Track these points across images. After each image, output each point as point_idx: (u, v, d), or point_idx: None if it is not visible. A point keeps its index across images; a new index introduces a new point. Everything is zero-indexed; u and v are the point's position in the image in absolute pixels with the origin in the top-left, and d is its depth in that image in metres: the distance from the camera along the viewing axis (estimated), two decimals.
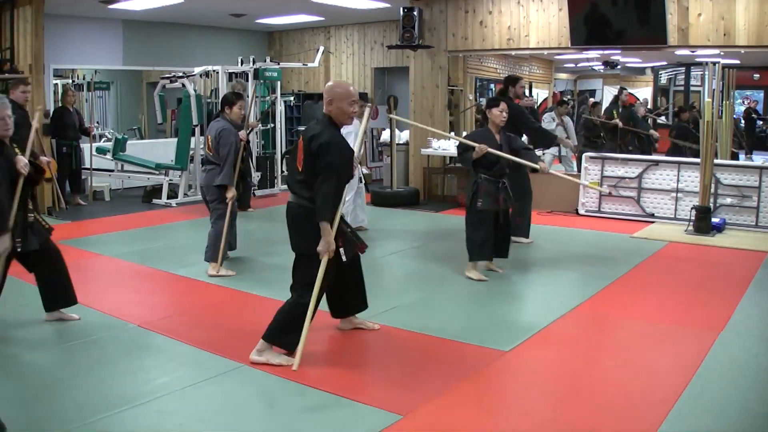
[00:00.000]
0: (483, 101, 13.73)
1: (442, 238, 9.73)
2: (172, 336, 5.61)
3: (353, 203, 9.76)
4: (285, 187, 9.93)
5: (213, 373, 4.86)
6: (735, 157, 12.56)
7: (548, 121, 12.94)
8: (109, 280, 7.51)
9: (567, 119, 13.47)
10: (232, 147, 7.47)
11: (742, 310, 6.45)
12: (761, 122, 18.15)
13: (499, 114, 7.38)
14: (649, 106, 16.86)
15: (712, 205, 10.16)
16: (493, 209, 7.37)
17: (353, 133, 8.44)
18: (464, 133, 13.02)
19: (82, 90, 15.45)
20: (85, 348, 5.35)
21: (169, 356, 5.24)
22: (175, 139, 13.25)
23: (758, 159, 12.51)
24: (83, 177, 12.66)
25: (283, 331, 5.12)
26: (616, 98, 13.65)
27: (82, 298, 6.41)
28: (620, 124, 12.89)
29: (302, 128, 14.38)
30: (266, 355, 5.08)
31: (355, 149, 5.56)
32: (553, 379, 4.97)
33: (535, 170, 7.99)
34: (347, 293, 5.69)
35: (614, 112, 13.23)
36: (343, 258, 5.17)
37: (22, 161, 5.29)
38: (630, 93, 17.66)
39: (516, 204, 7.97)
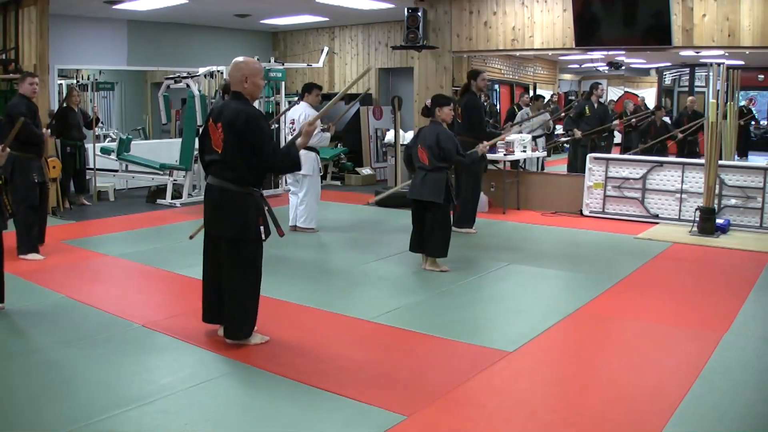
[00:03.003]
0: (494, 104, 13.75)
1: None
2: (176, 336, 5.62)
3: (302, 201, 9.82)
4: (290, 188, 9.92)
5: (217, 373, 4.87)
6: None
7: (522, 117, 13.07)
8: (114, 280, 7.52)
9: (544, 113, 13.54)
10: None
11: (746, 312, 6.45)
12: (753, 123, 18.11)
13: (449, 113, 7.79)
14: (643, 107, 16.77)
15: (716, 206, 10.16)
16: (454, 207, 8.01)
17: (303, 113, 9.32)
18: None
19: (87, 90, 15.46)
20: (90, 348, 5.35)
21: (174, 356, 5.25)
22: (180, 140, 13.25)
23: (761, 160, 12.50)
24: (87, 177, 12.67)
25: (248, 321, 5.40)
26: (589, 94, 13.59)
27: (86, 299, 6.44)
28: (579, 135, 13.01)
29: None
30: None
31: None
32: (557, 380, 4.96)
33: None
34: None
35: (586, 108, 13.20)
36: (263, 237, 5.29)
37: None
38: (603, 89, 17.67)
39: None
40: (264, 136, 5.14)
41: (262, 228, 5.25)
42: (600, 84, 14.36)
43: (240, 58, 5.48)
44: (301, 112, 9.59)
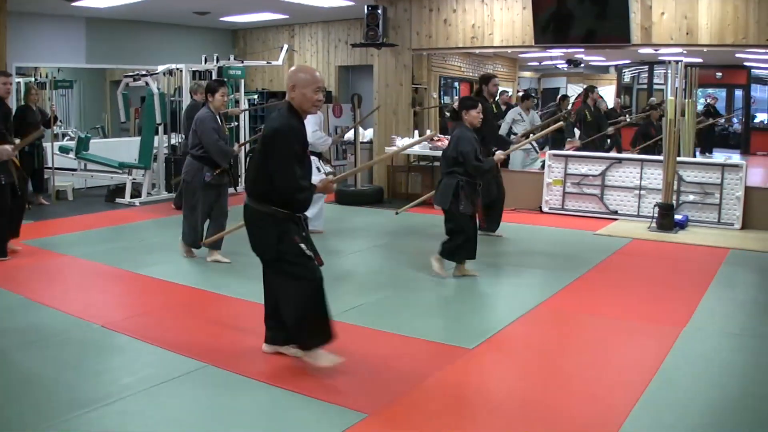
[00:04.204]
0: (452, 101, 13.77)
1: (406, 236, 9.77)
2: (136, 336, 5.59)
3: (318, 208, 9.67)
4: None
5: (178, 373, 4.86)
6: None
7: (515, 116, 12.95)
8: (73, 281, 7.47)
9: (533, 113, 13.49)
10: (212, 134, 7.73)
11: (705, 306, 6.56)
12: (723, 121, 18.33)
13: (477, 115, 7.32)
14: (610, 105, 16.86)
15: (674, 202, 10.29)
16: (472, 212, 7.39)
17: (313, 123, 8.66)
18: (428, 131, 13.06)
19: (45, 88, 15.32)
20: (49, 349, 5.32)
21: (134, 356, 5.23)
22: (139, 138, 13.17)
23: (720, 157, 12.66)
24: (46, 176, 12.56)
25: (313, 330, 4.91)
26: (585, 98, 13.55)
27: (46, 299, 6.40)
28: (578, 144, 13.00)
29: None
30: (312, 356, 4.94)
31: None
32: (518, 376, 5.01)
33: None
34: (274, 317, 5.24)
35: (586, 113, 13.19)
36: (314, 259, 4.91)
37: None
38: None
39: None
40: (281, 157, 4.71)
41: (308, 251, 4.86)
42: (595, 88, 14.40)
43: (294, 66, 5.05)
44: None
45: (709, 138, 16.61)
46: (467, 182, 7.25)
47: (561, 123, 10.08)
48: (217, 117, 7.84)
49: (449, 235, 7.43)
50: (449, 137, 7.58)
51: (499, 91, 9.82)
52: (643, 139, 13.33)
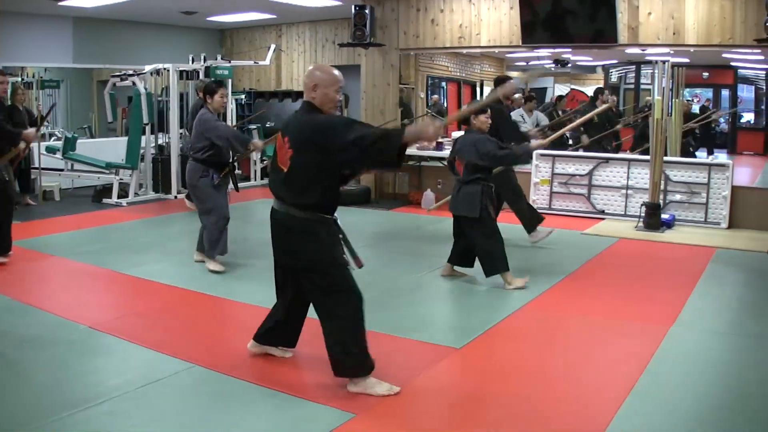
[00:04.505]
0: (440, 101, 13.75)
1: (393, 237, 9.78)
2: (123, 337, 5.58)
3: None
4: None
5: (165, 374, 4.85)
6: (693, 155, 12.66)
7: (516, 118, 12.94)
8: (60, 282, 7.44)
9: (536, 114, 13.48)
10: (223, 129, 7.58)
11: (692, 305, 6.59)
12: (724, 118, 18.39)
13: (485, 120, 7.25)
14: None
15: (661, 201, 10.33)
16: (495, 217, 7.33)
17: None
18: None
19: (32, 88, 15.27)
20: (36, 350, 5.30)
21: (121, 357, 5.22)
22: (126, 138, 13.14)
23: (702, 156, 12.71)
24: (33, 176, 12.52)
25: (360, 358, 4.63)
26: (594, 99, 13.51)
27: (32, 300, 6.38)
28: (587, 141, 12.86)
29: (271, 124, 14.35)
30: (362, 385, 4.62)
31: None
32: (505, 376, 5.01)
33: None
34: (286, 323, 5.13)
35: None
36: (356, 267, 4.72)
37: None
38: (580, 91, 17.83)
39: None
40: (338, 124, 4.42)
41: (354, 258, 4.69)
42: (605, 90, 14.40)
43: (314, 65, 4.79)
44: None
45: (709, 138, 16.58)
46: (489, 187, 7.17)
47: (601, 109, 10.03)
48: (217, 118, 7.75)
49: (482, 246, 7.21)
50: (458, 144, 7.37)
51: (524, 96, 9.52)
52: (642, 140, 13.34)
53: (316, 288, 4.64)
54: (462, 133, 7.51)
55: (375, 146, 4.26)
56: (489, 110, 7.23)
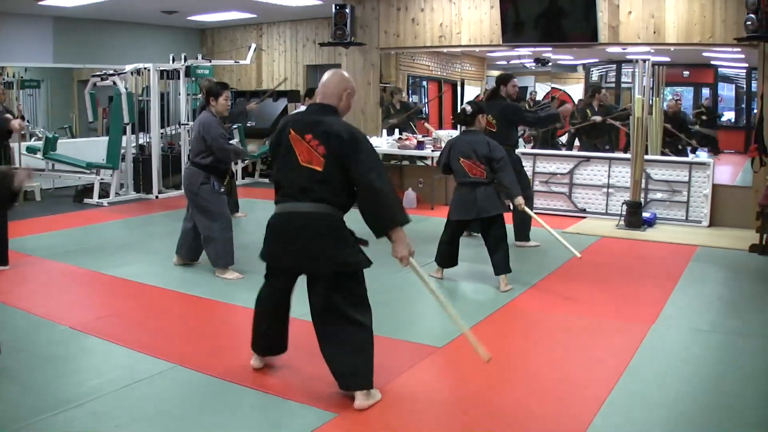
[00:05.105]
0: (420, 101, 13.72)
1: (374, 236, 9.75)
2: (105, 337, 5.56)
3: None
4: None
5: (147, 375, 4.84)
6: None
7: None
8: (40, 282, 7.39)
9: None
10: (222, 141, 7.33)
11: (673, 303, 6.63)
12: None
13: (489, 120, 7.21)
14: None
15: (642, 200, 10.37)
16: None
17: None
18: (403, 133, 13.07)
19: (12, 88, 15.19)
20: (16, 351, 5.24)
21: (103, 358, 5.21)
22: (107, 138, 13.09)
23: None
24: None
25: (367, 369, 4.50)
26: (590, 98, 13.55)
27: (12, 301, 6.35)
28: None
29: (252, 123, 14.26)
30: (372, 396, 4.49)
31: None
32: (486, 375, 5.01)
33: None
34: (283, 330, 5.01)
35: (587, 111, 13.19)
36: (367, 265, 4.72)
37: None
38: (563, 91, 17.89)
39: None
40: (372, 158, 4.37)
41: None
42: (602, 89, 14.45)
43: (341, 71, 4.66)
44: None
45: (709, 138, 16.60)
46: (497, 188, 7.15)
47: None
48: (220, 121, 7.60)
49: (497, 246, 7.16)
50: (460, 146, 7.24)
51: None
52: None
53: (346, 295, 4.57)
54: (451, 133, 7.49)
55: (381, 193, 4.37)
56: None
